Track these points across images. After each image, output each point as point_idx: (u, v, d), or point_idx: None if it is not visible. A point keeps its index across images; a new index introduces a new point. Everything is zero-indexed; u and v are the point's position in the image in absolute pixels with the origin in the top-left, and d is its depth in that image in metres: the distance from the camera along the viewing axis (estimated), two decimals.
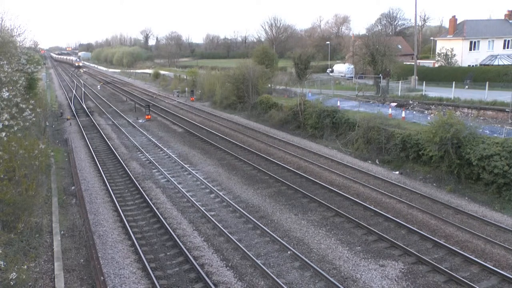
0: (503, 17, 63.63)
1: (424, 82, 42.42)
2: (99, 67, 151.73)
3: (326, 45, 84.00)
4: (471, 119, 25.33)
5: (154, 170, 25.27)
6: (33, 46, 55.86)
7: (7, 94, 18.06)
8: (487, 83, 36.03)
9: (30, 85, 33.72)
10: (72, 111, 48.52)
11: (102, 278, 13.37)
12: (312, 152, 28.09)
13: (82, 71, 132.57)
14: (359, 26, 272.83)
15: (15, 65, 24.04)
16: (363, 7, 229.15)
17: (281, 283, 13.00)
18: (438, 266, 13.81)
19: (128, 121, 42.03)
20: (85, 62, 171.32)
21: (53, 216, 18.03)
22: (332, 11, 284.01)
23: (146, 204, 19.84)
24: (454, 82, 37.66)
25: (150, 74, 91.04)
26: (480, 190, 19.89)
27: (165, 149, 29.95)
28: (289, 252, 15.09)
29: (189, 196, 20.48)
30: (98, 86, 79.06)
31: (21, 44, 32.56)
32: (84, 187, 22.23)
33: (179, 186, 22.06)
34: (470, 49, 57.84)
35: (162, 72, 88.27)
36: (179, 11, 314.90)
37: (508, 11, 62.36)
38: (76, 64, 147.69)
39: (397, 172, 23.71)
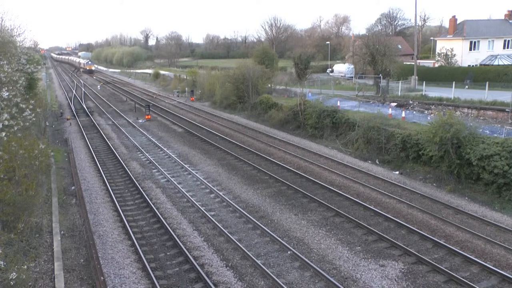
0: (503, 17, 63.54)
1: (424, 82, 42.37)
2: (99, 67, 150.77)
3: (326, 45, 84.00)
4: (471, 119, 25.32)
5: (154, 170, 25.27)
6: (33, 46, 55.76)
7: (7, 94, 18.04)
8: (487, 83, 35.99)
9: (30, 85, 33.67)
10: (72, 111, 48.52)
11: (102, 278, 13.37)
12: (312, 152, 28.09)
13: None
14: (359, 26, 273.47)
15: (15, 65, 24.00)
16: (363, 7, 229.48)
17: (281, 283, 13.00)
18: (438, 266, 13.81)
19: (128, 121, 42.03)
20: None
21: (53, 216, 18.03)
22: (332, 11, 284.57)
23: (146, 204, 19.84)
24: (454, 82, 37.60)
25: (150, 74, 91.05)
26: (480, 190, 19.88)
27: (165, 149, 29.94)
28: (289, 252, 15.09)
29: (189, 196, 20.47)
30: (98, 86, 79.06)
31: (21, 44, 32.48)
32: (84, 187, 22.23)
33: (179, 186, 22.06)
34: (470, 49, 57.79)
35: (162, 72, 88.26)
36: (179, 11, 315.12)
37: (508, 11, 62.29)
38: (87, 68, 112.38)
39: (397, 172, 23.70)
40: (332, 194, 20.69)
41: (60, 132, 37.22)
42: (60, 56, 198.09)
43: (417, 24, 68.78)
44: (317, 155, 27.31)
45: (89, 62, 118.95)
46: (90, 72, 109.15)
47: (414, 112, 32.76)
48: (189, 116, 43.61)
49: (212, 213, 18.67)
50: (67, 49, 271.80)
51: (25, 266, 12.26)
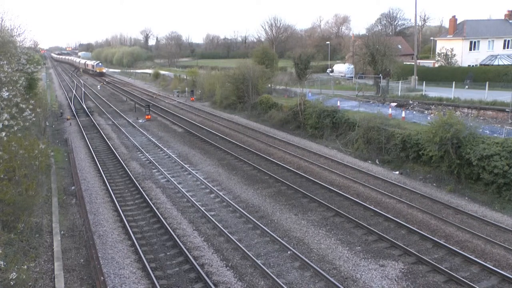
0: (503, 17, 63.56)
1: (424, 82, 42.39)
2: None
3: (326, 45, 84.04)
4: (471, 119, 25.29)
5: (154, 170, 25.26)
6: (33, 46, 55.74)
7: (7, 94, 18.05)
8: (487, 83, 36.01)
9: (30, 85, 33.69)
10: (72, 111, 48.52)
11: (102, 278, 13.37)
12: (312, 152, 28.08)
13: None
14: (359, 26, 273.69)
15: (15, 65, 24.00)
16: (363, 7, 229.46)
17: (281, 283, 13.00)
18: (438, 266, 13.81)
19: (128, 121, 42.02)
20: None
21: (53, 216, 18.03)
22: (332, 11, 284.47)
23: (146, 204, 19.84)
24: (454, 82, 37.62)
25: (150, 74, 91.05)
26: (480, 190, 19.88)
27: (165, 149, 29.94)
28: (289, 252, 15.09)
29: (189, 196, 20.47)
30: (98, 86, 79.04)
31: (21, 44, 32.49)
32: (84, 187, 22.23)
33: (179, 186, 22.06)
34: (470, 49, 57.80)
35: (162, 72, 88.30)
36: (179, 11, 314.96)
37: (508, 11, 62.31)
38: (97, 71, 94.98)
39: (397, 172, 23.70)
40: (332, 194, 20.69)
41: (60, 132, 37.22)
42: (60, 56, 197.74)
43: (417, 24, 68.82)
44: (317, 155, 27.31)
45: (100, 64, 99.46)
46: (101, 75, 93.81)
47: (414, 112, 32.76)
48: (189, 116, 43.61)
49: (212, 213, 18.66)
50: (67, 49, 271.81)
51: (25, 266, 12.27)
